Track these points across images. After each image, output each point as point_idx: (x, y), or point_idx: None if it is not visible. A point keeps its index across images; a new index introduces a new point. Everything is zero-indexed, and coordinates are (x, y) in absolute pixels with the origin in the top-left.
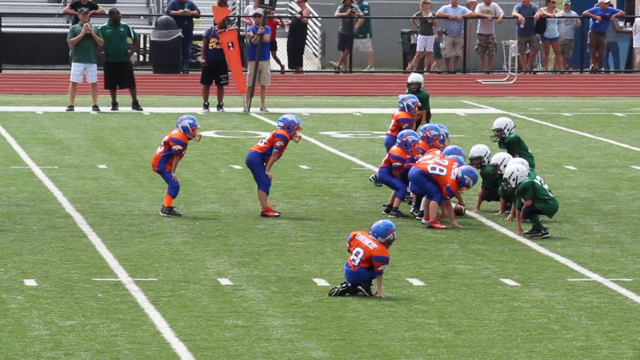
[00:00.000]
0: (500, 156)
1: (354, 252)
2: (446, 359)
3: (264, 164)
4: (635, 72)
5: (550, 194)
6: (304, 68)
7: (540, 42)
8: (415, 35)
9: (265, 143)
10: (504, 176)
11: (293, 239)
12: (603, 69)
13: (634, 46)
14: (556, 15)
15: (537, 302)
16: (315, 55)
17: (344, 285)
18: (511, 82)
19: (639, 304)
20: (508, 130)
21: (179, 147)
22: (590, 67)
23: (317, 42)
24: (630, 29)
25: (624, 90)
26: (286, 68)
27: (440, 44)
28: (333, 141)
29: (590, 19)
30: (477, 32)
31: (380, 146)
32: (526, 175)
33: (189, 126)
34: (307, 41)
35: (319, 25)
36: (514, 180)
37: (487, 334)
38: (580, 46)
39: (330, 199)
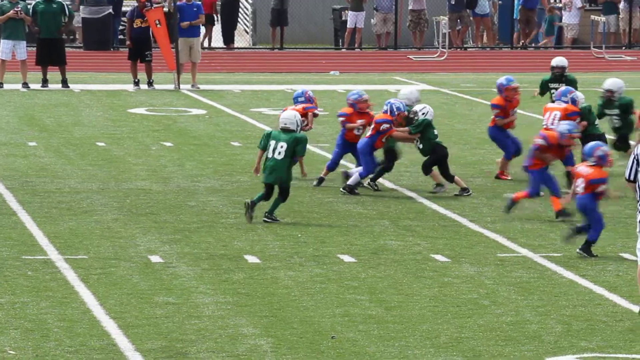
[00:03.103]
0: None
1: (577, 183)
2: (377, 335)
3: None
4: (565, 47)
5: None
6: (236, 45)
7: (471, 18)
8: (346, 11)
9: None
10: None
11: (224, 216)
12: (533, 44)
13: (563, 21)
14: None
15: (467, 278)
16: (247, 31)
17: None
18: (442, 58)
19: (567, 278)
20: (619, 93)
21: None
22: (521, 43)
23: (248, 18)
24: (560, 5)
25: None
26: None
27: (372, 20)
28: (264, 118)
29: None
30: (409, 8)
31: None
32: None
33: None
34: (238, 18)
35: (250, 1)
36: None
37: (417, 309)
38: (511, 22)
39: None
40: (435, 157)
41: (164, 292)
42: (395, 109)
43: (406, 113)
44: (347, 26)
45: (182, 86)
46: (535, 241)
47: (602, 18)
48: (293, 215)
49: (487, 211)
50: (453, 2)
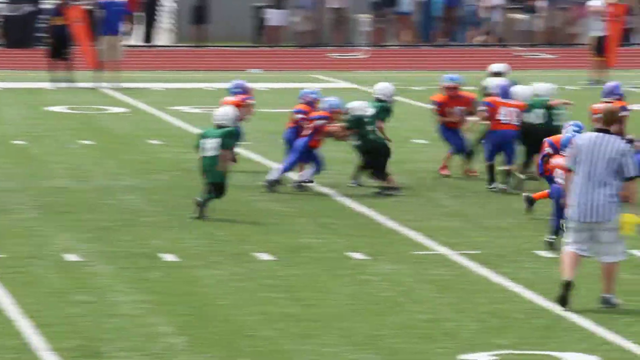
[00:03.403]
0: None
1: (556, 174)
2: (294, 333)
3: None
4: (483, 45)
5: None
6: (157, 42)
7: (392, 16)
8: (268, 9)
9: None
10: None
11: (143, 214)
12: (454, 42)
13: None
14: None
15: (385, 275)
16: (169, 29)
17: None
18: (363, 56)
19: (484, 276)
20: None
21: None
22: (441, 41)
23: (170, 16)
24: (478, 3)
25: (473, 64)
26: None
27: (293, 18)
28: (184, 116)
29: None
30: (330, 6)
31: None
32: None
33: None
34: (160, 16)
35: None
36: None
37: (335, 307)
38: (431, 20)
39: (181, 174)
40: (375, 155)
41: (81, 291)
42: (329, 106)
43: (342, 110)
44: (268, 24)
45: (102, 84)
46: (453, 239)
47: (523, 16)
48: (212, 213)
49: (405, 209)
50: (374, 0)
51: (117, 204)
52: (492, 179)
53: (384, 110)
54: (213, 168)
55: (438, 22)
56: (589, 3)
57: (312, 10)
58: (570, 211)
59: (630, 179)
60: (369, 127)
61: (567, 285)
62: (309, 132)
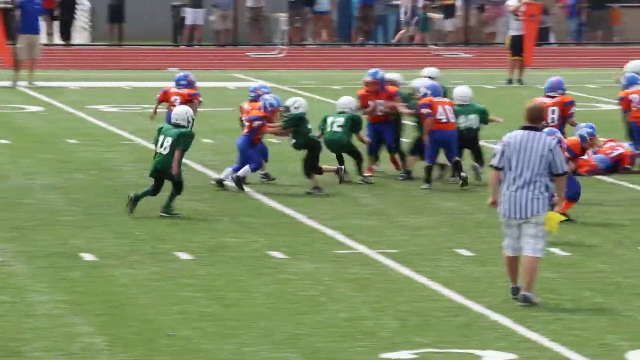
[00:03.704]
0: None
1: None
2: (213, 332)
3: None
4: (402, 44)
5: None
6: (74, 41)
7: (310, 15)
8: (185, 8)
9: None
10: None
11: (61, 214)
12: (372, 41)
13: (401, 19)
14: None
15: (304, 274)
16: (85, 28)
17: None
18: (281, 55)
19: (404, 275)
20: None
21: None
22: (359, 40)
23: (86, 15)
24: (399, 2)
25: (391, 63)
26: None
27: (211, 17)
28: (102, 115)
29: None
30: (248, 5)
31: (149, 120)
32: None
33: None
34: (76, 14)
35: None
36: None
37: (254, 306)
38: (349, 19)
39: (99, 173)
40: (311, 152)
41: None
42: (268, 105)
43: (280, 109)
44: (186, 23)
45: (19, 83)
46: (372, 238)
47: (440, 16)
48: (131, 212)
49: (325, 208)
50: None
51: (35, 203)
52: (428, 180)
53: (354, 121)
54: (167, 166)
55: (356, 21)
56: (506, 3)
57: (230, 9)
58: (500, 208)
59: (560, 175)
60: (307, 125)
61: (515, 291)
62: (247, 131)
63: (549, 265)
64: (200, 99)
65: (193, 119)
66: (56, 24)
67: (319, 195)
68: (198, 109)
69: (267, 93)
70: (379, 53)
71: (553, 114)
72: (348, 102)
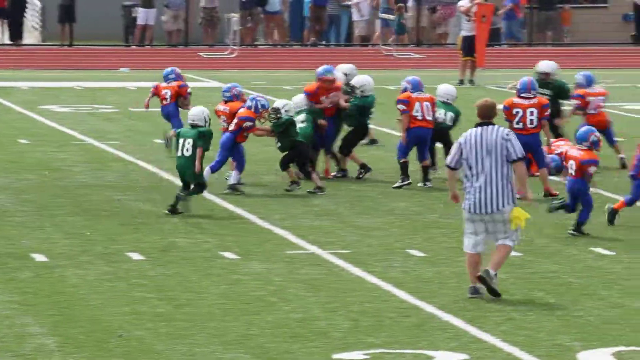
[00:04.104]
0: None
1: (569, 165)
2: (165, 333)
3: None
4: (354, 45)
5: None
6: (24, 41)
7: (262, 15)
8: (137, 8)
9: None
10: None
11: (11, 214)
12: (324, 42)
13: (353, 19)
14: None
15: (256, 275)
16: (36, 28)
17: (562, 201)
18: (233, 55)
19: (355, 275)
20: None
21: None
22: (311, 41)
23: (37, 15)
24: (350, 3)
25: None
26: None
27: (162, 17)
28: (53, 115)
29: None
30: (201, 5)
31: (101, 120)
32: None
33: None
34: (26, 14)
35: None
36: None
37: (206, 307)
38: (301, 20)
39: (50, 174)
40: (294, 154)
41: None
42: (260, 106)
43: (269, 110)
44: (137, 23)
45: None
46: (324, 238)
47: (391, 16)
48: (82, 213)
49: (276, 208)
50: (244, 0)
51: None
52: (404, 174)
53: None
54: (189, 169)
55: (308, 21)
56: (458, 3)
57: (182, 9)
58: (464, 204)
59: (517, 160)
60: (296, 129)
61: (474, 290)
62: (235, 128)
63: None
64: (189, 90)
65: (210, 118)
66: (6, 24)
67: (297, 189)
68: (190, 100)
69: (241, 92)
70: (330, 53)
71: (532, 116)
72: (302, 99)
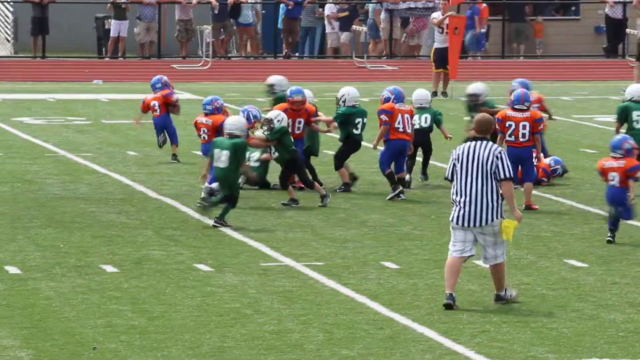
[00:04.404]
0: None
1: (609, 177)
2: (139, 345)
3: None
4: (327, 57)
5: None
6: None
7: (235, 27)
8: (109, 20)
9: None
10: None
11: None
12: (297, 54)
13: (326, 31)
14: (249, 1)
15: (230, 287)
16: (8, 40)
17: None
18: (206, 67)
19: (330, 287)
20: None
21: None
22: (284, 53)
23: (9, 26)
24: (323, 15)
25: (317, 75)
26: None
27: (135, 29)
28: (26, 127)
29: (283, 5)
30: (177, 18)
31: (74, 132)
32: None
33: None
34: None
35: (11, 9)
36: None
37: (180, 319)
38: (274, 32)
39: (23, 186)
40: (292, 166)
41: None
42: (252, 117)
43: (262, 121)
44: (110, 35)
45: None
46: (298, 250)
47: (364, 28)
48: (55, 225)
49: (250, 220)
50: (216, 12)
51: None
52: (393, 184)
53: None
54: (227, 179)
55: (281, 33)
56: (431, 15)
57: (154, 21)
58: (451, 216)
59: (505, 179)
60: (290, 138)
61: (450, 297)
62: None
63: (474, 277)
64: (176, 96)
65: (246, 129)
66: None
67: (295, 207)
68: (179, 107)
69: (223, 104)
70: (304, 65)
71: (524, 129)
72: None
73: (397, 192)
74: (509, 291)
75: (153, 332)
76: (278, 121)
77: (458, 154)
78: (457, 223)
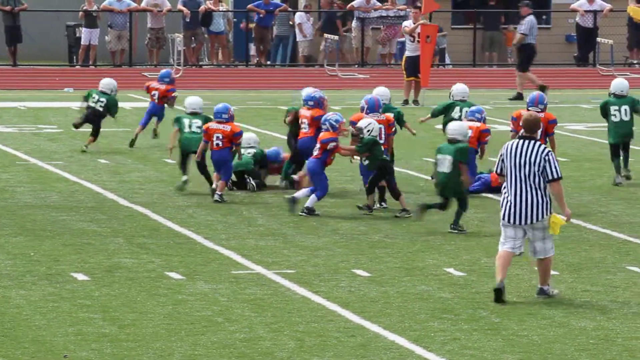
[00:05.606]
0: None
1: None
2: (110, 354)
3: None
4: (299, 65)
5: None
6: None
7: (206, 35)
8: (80, 28)
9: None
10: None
11: None
12: (269, 62)
13: (297, 40)
14: (221, 9)
15: (201, 295)
16: None
17: None
18: (177, 75)
19: (301, 295)
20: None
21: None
22: (255, 61)
23: None
24: (293, 23)
25: (288, 83)
26: None
27: (106, 37)
28: None
29: (256, 13)
30: (149, 26)
31: (45, 140)
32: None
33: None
34: None
35: None
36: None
37: (151, 327)
38: (245, 40)
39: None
40: (382, 173)
41: None
42: (335, 123)
43: (354, 128)
44: (82, 43)
45: None
46: (269, 258)
47: (335, 37)
48: (26, 233)
49: (221, 228)
50: (188, 20)
51: None
52: (382, 198)
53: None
54: (450, 183)
55: (254, 41)
56: (403, 24)
57: (125, 29)
58: (502, 214)
59: (554, 180)
60: (380, 148)
61: (498, 291)
62: (319, 154)
63: (444, 285)
64: (175, 94)
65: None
66: None
67: (407, 216)
68: (174, 101)
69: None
70: (275, 74)
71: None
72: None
73: (382, 205)
74: (551, 288)
75: (124, 340)
76: (368, 131)
77: (507, 151)
78: (507, 221)
